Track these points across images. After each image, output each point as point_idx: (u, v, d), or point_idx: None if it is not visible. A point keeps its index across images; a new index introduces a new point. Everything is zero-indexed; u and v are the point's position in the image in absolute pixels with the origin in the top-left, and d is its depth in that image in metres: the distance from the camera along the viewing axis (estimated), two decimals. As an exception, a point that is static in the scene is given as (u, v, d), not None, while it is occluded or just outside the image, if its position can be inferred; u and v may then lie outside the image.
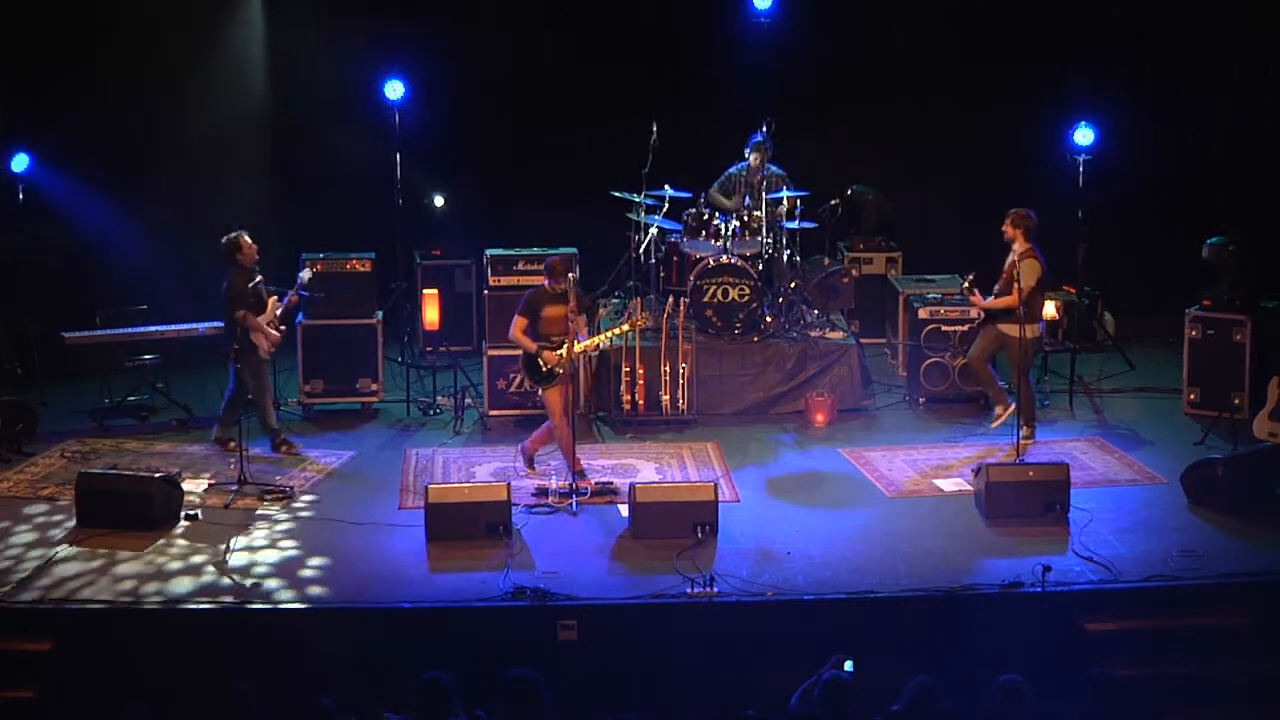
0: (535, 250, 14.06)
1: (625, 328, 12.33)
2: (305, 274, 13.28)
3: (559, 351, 11.88)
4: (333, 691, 8.44)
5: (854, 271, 15.12)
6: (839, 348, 13.99)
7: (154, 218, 14.98)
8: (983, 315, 13.02)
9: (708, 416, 13.72)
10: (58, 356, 14.22)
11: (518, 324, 12.03)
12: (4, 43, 14.78)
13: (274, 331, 12.82)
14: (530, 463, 12.32)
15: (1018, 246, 12.78)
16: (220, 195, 15.16)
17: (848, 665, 8.88)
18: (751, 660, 9.84)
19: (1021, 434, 12.82)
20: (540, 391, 12.10)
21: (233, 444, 12.51)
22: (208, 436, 13.22)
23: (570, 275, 12.08)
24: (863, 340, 14.49)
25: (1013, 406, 12.91)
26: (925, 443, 13.16)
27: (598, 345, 12.29)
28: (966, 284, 13.03)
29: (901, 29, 15.74)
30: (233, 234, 12.77)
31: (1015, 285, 12.60)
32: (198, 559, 10.88)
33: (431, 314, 14.58)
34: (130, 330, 13.98)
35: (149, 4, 15.22)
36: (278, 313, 12.89)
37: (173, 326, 14.01)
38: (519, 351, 12.22)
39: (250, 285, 12.66)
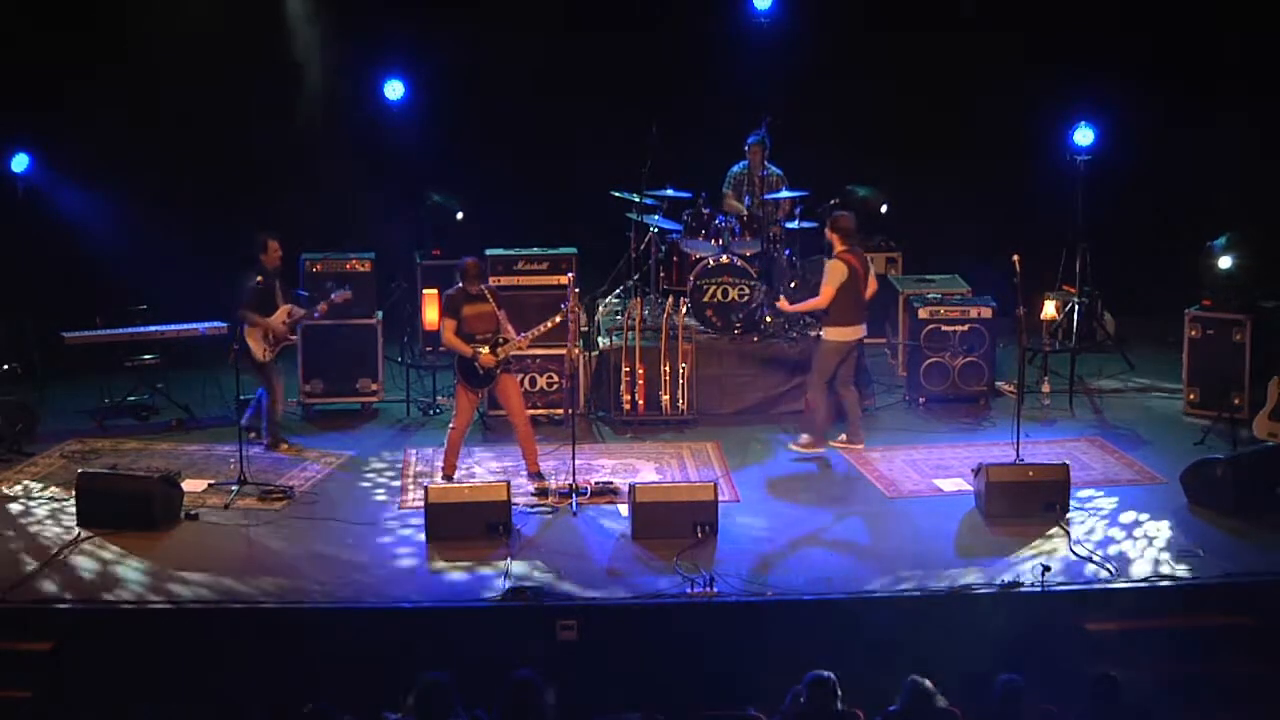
0: (535, 250, 14.06)
1: (548, 325, 12.22)
2: (345, 294, 13.31)
3: (495, 352, 11.89)
4: (332, 691, 8.43)
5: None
6: (839, 348, 13.97)
7: (154, 218, 14.97)
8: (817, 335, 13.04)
9: (708, 416, 13.71)
10: (58, 356, 14.22)
11: (449, 327, 11.97)
12: (4, 43, 14.77)
13: (278, 335, 12.79)
14: (540, 477, 12.24)
15: (836, 248, 12.79)
16: (220, 194, 15.19)
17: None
18: (751, 660, 9.82)
19: (802, 439, 12.85)
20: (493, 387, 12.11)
21: (285, 445, 12.95)
22: (208, 436, 13.24)
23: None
24: (863, 340, 14.45)
25: (823, 446, 12.88)
26: (925, 443, 13.16)
27: (530, 341, 12.25)
28: (778, 298, 13.32)
29: (901, 29, 15.72)
30: (262, 235, 12.85)
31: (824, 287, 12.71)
32: (197, 559, 10.87)
33: (431, 314, 14.57)
34: (130, 330, 13.97)
35: (148, 4, 15.24)
36: (288, 320, 12.90)
37: (173, 326, 14.01)
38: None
39: (260, 286, 12.67)
